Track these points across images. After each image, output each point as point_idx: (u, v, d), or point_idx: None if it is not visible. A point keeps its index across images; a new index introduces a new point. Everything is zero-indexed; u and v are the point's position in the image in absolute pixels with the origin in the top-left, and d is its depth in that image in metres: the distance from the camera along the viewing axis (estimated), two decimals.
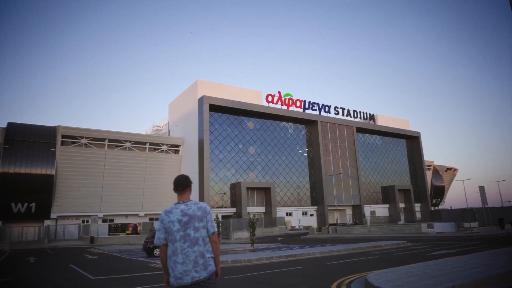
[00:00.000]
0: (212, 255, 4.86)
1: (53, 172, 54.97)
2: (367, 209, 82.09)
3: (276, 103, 72.70)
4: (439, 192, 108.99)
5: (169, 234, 4.78)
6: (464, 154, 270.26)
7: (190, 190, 5.18)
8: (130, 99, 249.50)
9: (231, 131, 67.77)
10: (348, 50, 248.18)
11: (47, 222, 55.67)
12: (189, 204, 4.92)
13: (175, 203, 4.99)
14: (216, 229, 5.00)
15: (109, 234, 52.05)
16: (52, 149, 55.66)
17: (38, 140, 55.31)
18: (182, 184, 5.10)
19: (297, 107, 76.22)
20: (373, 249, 26.71)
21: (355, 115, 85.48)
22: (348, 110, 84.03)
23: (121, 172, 62.06)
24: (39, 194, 54.15)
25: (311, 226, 63.45)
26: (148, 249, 29.09)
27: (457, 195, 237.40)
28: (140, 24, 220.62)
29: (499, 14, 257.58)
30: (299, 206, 74.90)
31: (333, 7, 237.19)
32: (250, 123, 70.48)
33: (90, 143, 60.04)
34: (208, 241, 4.88)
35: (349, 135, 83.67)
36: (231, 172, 66.24)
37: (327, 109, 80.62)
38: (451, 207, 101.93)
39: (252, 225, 31.71)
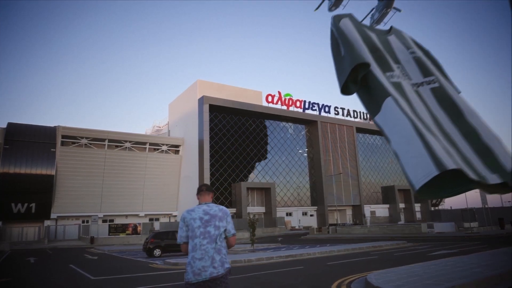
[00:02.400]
0: (227, 252, 5.03)
1: (53, 172, 54.98)
2: (367, 209, 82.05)
3: (276, 103, 72.64)
4: None
5: (190, 230, 4.92)
6: None
7: (212, 197, 5.30)
8: (130, 99, 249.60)
9: (231, 131, 67.74)
10: None
11: (47, 222, 55.63)
12: (211, 205, 5.07)
13: (198, 205, 5.15)
14: (235, 231, 5.16)
15: (109, 235, 52.01)
16: (52, 149, 55.67)
17: (38, 140, 55.31)
18: (207, 186, 5.29)
19: (297, 107, 76.15)
20: (373, 249, 26.73)
21: (355, 115, 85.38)
22: (348, 110, 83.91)
23: (121, 172, 62.04)
24: (39, 194, 54.14)
25: (311, 226, 63.39)
26: (148, 250, 29.07)
27: (457, 195, 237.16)
28: (140, 24, 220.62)
29: (499, 13, 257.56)
30: (299, 206, 74.90)
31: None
32: (250, 123, 70.44)
33: (90, 143, 60.05)
34: (225, 240, 5.00)
35: (349, 135, 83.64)
36: (231, 172, 66.24)
37: (327, 109, 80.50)
38: (451, 207, 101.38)
39: (252, 225, 31.73)
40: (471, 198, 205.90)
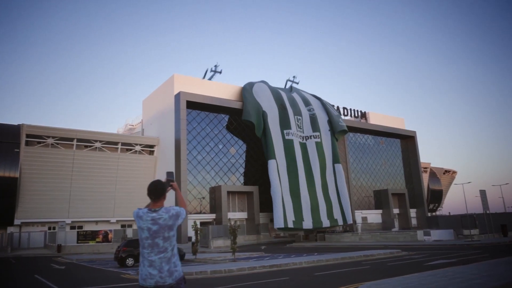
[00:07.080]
0: (178, 262, 5.14)
1: (17, 175, 54.28)
2: (358, 215, 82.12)
3: None
4: (437, 196, 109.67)
5: (139, 238, 5.09)
6: (463, 156, 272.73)
7: (165, 198, 5.30)
8: (100, 96, 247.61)
9: (211, 130, 67.33)
10: (338, 44, 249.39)
11: (10, 229, 54.96)
12: (161, 213, 5.06)
13: (148, 208, 5.14)
14: (185, 215, 5.30)
15: (77, 242, 51.54)
16: (15, 150, 54.92)
17: (0, 140, 54.62)
18: (155, 193, 5.18)
19: None
20: (365, 258, 26.81)
21: (345, 113, 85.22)
22: (338, 108, 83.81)
23: (91, 174, 61.35)
24: (1, 199, 53.24)
25: (297, 234, 63.36)
26: (120, 259, 28.81)
27: (456, 200, 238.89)
28: (111, 15, 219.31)
29: (499, 10, 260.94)
30: None
31: (325, 4, 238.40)
32: (231, 122, 70.06)
33: (57, 143, 59.37)
34: (176, 249, 5.16)
35: None
36: (210, 175, 65.81)
37: None
38: (449, 212, 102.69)
39: (233, 232, 31.64)
40: (471, 203, 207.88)
